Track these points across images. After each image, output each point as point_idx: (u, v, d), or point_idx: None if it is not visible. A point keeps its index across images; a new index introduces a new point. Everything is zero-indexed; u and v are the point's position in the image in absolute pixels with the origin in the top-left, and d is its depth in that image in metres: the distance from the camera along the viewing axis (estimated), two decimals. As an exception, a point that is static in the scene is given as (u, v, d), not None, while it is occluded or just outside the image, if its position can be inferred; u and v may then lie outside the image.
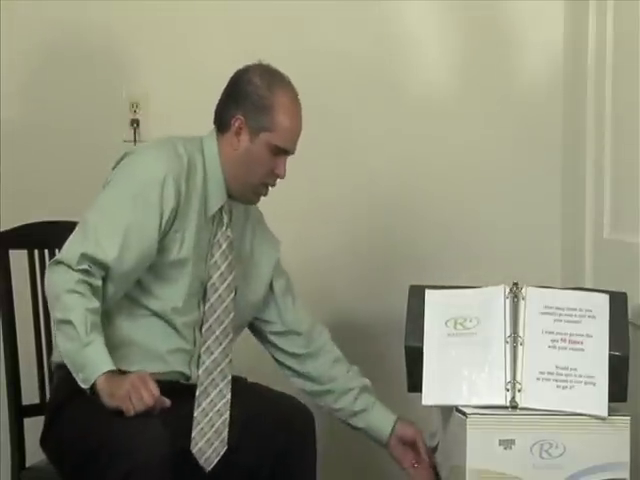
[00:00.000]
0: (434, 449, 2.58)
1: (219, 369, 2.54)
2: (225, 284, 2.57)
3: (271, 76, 2.58)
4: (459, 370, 2.40)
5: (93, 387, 2.30)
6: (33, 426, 2.67)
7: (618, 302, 2.43)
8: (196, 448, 2.47)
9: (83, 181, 3.08)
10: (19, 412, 2.66)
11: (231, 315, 2.57)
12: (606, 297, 2.43)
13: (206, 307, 2.56)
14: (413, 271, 3.18)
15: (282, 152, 2.55)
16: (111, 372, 2.31)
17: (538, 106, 3.29)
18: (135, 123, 3.09)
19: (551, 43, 3.27)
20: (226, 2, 3.14)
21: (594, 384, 2.35)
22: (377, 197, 3.25)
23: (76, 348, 2.32)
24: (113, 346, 2.38)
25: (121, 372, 2.34)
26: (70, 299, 2.34)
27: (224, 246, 2.57)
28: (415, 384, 2.43)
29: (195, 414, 2.49)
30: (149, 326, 2.50)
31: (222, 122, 2.57)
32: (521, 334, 2.40)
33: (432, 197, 3.27)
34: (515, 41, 3.29)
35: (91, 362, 2.31)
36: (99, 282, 2.39)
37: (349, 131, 3.23)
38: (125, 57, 3.08)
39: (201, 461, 2.47)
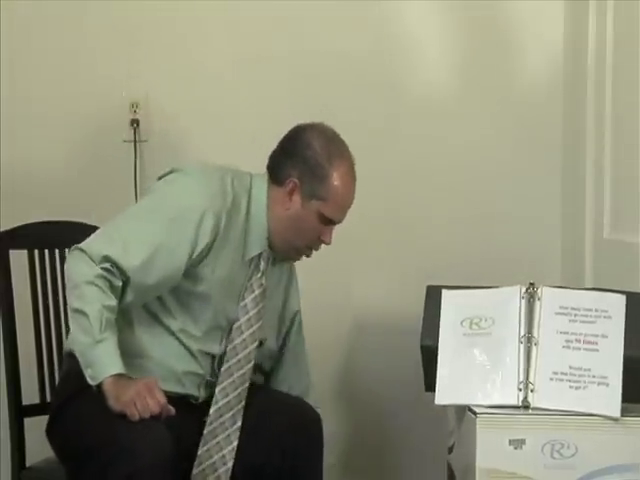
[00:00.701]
0: (450, 449, 2.58)
1: (231, 413, 2.54)
2: (251, 330, 2.57)
3: (331, 144, 2.57)
4: (473, 370, 2.41)
5: (99, 386, 2.30)
6: (33, 426, 2.67)
7: (634, 302, 2.42)
8: (198, 468, 2.48)
9: (83, 181, 3.09)
10: (19, 412, 2.66)
11: (251, 363, 2.56)
12: (622, 297, 2.43)
13: (228, 348, 2.55)
14: (413, 271, 3.18)
15: (331, 222, 2.56)
16: (119, 375, 2.30)
17: (538, 106, 3.29)
18: (135, 123, 3.09)
19: (551, 43, 3.28)
20: (226, 2, 3.14)
21: (607, 385, 2.34)
22: (378, 198, 3.25)
23: (88, 343, 2.31)
24: (130, 354, 2.39)
25: (130, 377, 2.33)
26: (89, 291, 2.34)
27: (256, 292, 2.57)
28: (432, 383, 2.44)
29: (199, 452, 2.50)
30: (167, 344, 2.50)
31: (276, 175, 2.57)
32: (535, 334, 2.41)
33: (432, 197, 3.27)
34: (515, 41, 3.29)
35: (101, 361, 2.31)
36: (119, 283, 2.39)
37: (349, 132, 3.22)
38: (125, 57, 3.08)
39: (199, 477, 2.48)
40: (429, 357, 2.45)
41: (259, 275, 2.57)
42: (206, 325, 2.52)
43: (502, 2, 3.28)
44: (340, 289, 3.22)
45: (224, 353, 2.56)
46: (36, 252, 2.75)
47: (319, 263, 3.21)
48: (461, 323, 2.47)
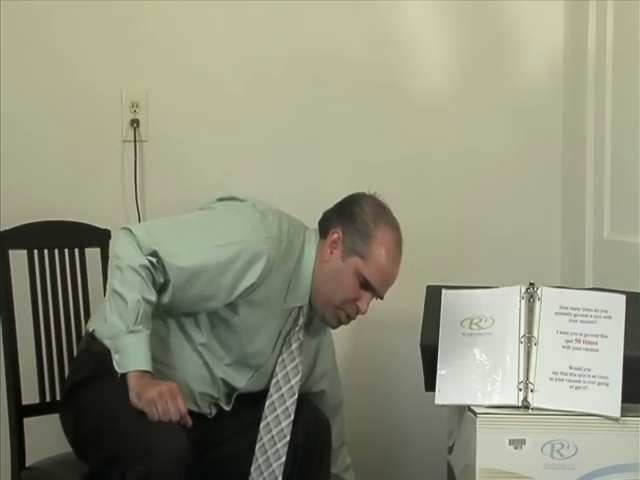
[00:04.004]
0: (450, 449, 2.58)
1: (270, 470, 2.54)
2: (288, 385, 2.56)
3: (381, 211, 2.56)
4: (473, 370, 2.41)
5: (123, 376, 2.30)
6: (33, 426, 2.67)
7: (634, 302, 2.43)
8: None
9: (83, 181, 3.08)
10: (19, 412, 2.66)
11: (290, 418, 2.55)
12: (622, 297, 2.43)
13: (266, 404, 2.54)
14: (413, 271, 3.18)
15: (369, 288, 2.52)
16: (145, 372, 2.31)
17: (538, 106, 3.29)
18: (135, 123, 3.09)
19: (551, 43, 3.28)
20: (226, 3, 3.14)
21: (607, 385, 2.35)
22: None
23: (122, 329, 2.32)
24: (156, 360, 2.38)
25: (154, 377, 2.34)
26: (132, 277, 2.34)
27: (293, 347, 2.57)
28: (432, 383, 2.44)
29: (252, 469, 2.52)
30: (192, 363, 2.50)
31: (324, 229, 2.56)
32: (535, 334, 2.41)
33: (432, 197, 3.27)
34: (515, 41, 3.29)
35: (130, 351, 2.32)
36: (161, 280, 2.39)
37: (349, 133, 3.23)
38: (125, 57, 3.08)
39: None
40: (429, 357, 2.46)
41: (297, 329, 2.57)
42: (233, 357, 2.52)
43: (502, 2, 3.27)
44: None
45: (246, 391, 2.56)
46: (36, 252, 2.75)
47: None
48: (461, 323, 2.47)
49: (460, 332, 2.46)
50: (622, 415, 2.33)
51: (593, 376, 2.36)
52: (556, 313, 2.43)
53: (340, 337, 3.24)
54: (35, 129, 3.04)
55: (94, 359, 2.45)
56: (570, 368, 2.38)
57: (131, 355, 2.32)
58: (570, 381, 2.37)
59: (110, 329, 2.35)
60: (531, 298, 2.45)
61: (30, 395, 2.70)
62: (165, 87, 3.11)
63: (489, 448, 2.32)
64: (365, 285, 2.51)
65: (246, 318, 2.48)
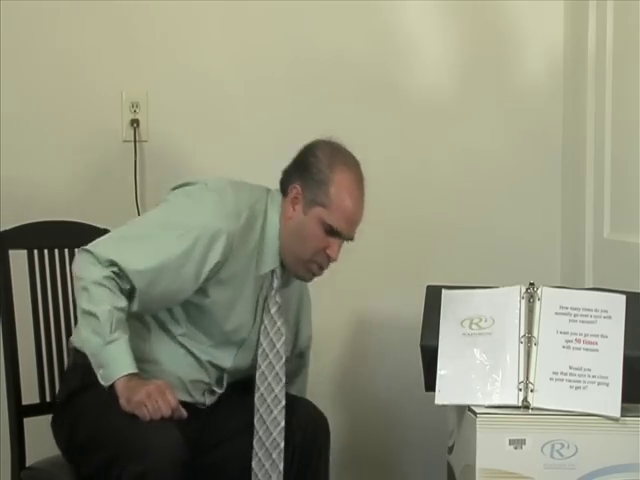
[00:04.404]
0: (450, 449, 2.58)
1: (271, 439, 2.54)
2: (274, 351, 2.57)
3: (336, 153, 2.55)
4: (473, 370, 2.41)
5: (112, 386, 2.31)
6: (33, 426, 2.67)
7: (634, 302, 2.43)
8: None
9: (83, 181, 3.08)
10: (19, 412, 2.66)
11: (282, 382, 2.56)
12: (622, 297, 2.43)
13: (257, 375, 2.55)
14: (413, 271, 3.19)
15: (336, 234, 2.51)
16: (131, 375, 2.31)
17: (538, 107, 3.29)
18: (135, 123, 3.09)
19: (551, 43, 3.28)
20: (226, 3, 3.14)
21: (607, 385, 2.35)
22: (378, 198, 3.25)
23: (99, 343, 2.33)
24: (140, 360, 2.38)
25: (141, 377, 2.34)
26: (98, 292, 2.35)
27: (272, 311, 2.57)
28: (432, 383, 2.44)
29: (254, 441, 2.52)
30: (175, 353, 2.51)
31: (284, 187, 2.56)
32: (535, 334, 2.41)
33: (432, 197, 3.27)
34: (515, 41, 3.29)
35: (113, 361, 2.32)
36: (127, 286, 2.40)
37: (349, 133, 3.22)
38: (125, 57, 3.08)
39: None
40: (429, 357, 2.45)
41: (273, 292, 2.57)
42: (215, 339, 2.52)
43: (502, 2, 3.27)
44: (340, 289, 3.21)
45: (234, 369, 2.56)
46: (36, 252, 2.75)
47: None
48: (461, 323, 2.47)
49: (460, 332, 2.46)
50: (622, 415, 2.33)
51: (593, 376, 2.36)
52: (556, 313, 2.43)
53: (340, 337, 3.25)
54: (35, 129, 3.04)
55: (81, 371, 2.44)
56: (570, 368, 2.38)
57: (114, 365, 2.32)
58: (570, 381, 2.37)
59: (89, 348, 2.36)
60: (531, 298, 2.45)
61: (30, 395, 2.70)
62: (165, 87, 3.11)
63: (489, 448, 2.32)
64: (331, 232, 2.50)
65: (218, 298, 2.48)
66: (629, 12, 2.92)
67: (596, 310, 2.42)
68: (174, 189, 2.56)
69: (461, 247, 3.26)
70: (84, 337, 2.37)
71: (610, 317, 2.41)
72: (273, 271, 2.55)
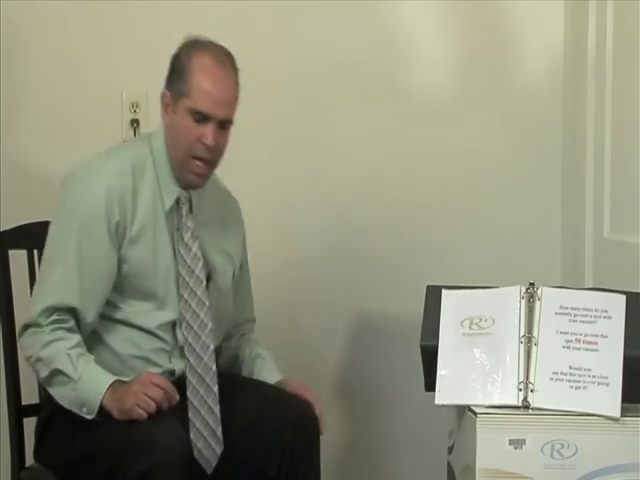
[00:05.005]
0: (450, 449, 2.58)
1: (202, 364, 2.50)
2: (193, 278, 2.51)
3: (195, 42, 2.49)
4: (473, 370, 2.41)
5: (102, 410, 2.31)
6: (33, 426, 2.67)
7: (634, 302, 2.43)
8: (195, 451, 2.45)
9: (83, 181, 3.08)
10: (19, 412, 2.65)
11: (205, 306, 2.51)
12: (622, 297, 2.43)
13: (181, 304, 2.50)
14: (413, 271, 3.18)
15: (205, 118, 2.43)
16: (112, 387, 2.31)
17: (538, 107, 3.29)
18: (135, 123, 3.09)
19: (551, 44, 3.28)
20: (226, 3, 3.14)
21: (607, 385, 2.35)
22: (378, 198, 3.25)
23: (71, 389, 2.33)
24: (106, 366, 2.39)
25: (122, 381, 2.34)
26: (48, 352, 2.36)
27: (186, 238, 2.51)
28: (432, 383, 2.44)
29: (189, 414, 2.47)
30: (125, 336, 2.48)
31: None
32: (535, 334, 2.41)
33: (432, 197, 3.27)
34: (515, 41, 3.29)
35: (89, 391, 2.32)
36: (72, 322, 2.39)
37: (349, 133, 3.23)
38: (125, 57, 3.08)
39: (202, 463, 2.46)
40: (429, 357, 2.45)
41: (183, 219, 2.50)
42: (155, 299, 2.48)
43: (502, 2, 3.28)
44: (340, 289, 3.22)
45: (180, 313, 2.50)
46: (36, 252, 2.74)
47: (319, 263, 3.22)
48: (461, 323, 2.47)
49: (460, 332, 2.46)
50: (622, 415, 2.33)
51: (593, 376, 2.36)
52: (556, 313, 2.43)
53: (340, 337, 3.25)
54: (35, 129, 3.04)
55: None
56: (570, 368, 2.38)
57: (92, 392, 2.31)
58: (570, 381, 2.37)
59: (64, 401, 2.36)
60: (531, 298, 2.45)
61: (30, 395, 2.69)
62: (165, 87, 3.11)
63: (489, 448, 2.32)
64: (201, 118, 2.44)
65: (138, 256, 2.45)
66: (629, 12, 2.92)
67: (596, 310, 2.42)
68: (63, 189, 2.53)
69: (461, 247, 3.26)
70: (59, 397, 2.37)
71: (610, 317, 2.41)
72: (178, 199, 2.50)
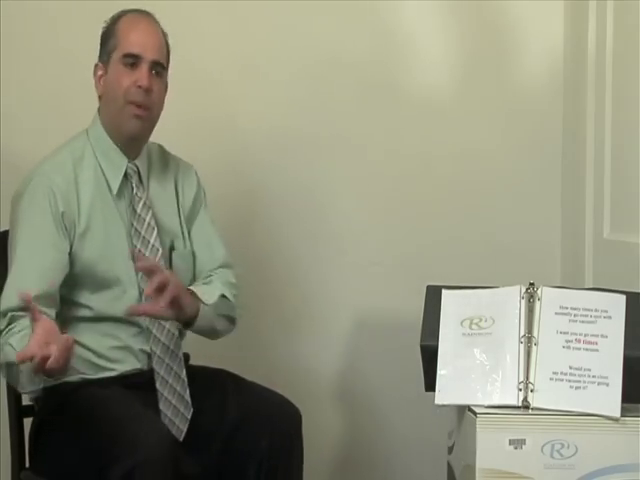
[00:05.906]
0: (450, 449, 2.58)
1: (167, 339, 2.51)
2: (149, 247, 2.50)
3: (123, 11, 2.55)
4: (473, 370, 2.41)
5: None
6: (33, 426, 2.67)
7: (634, 302, 2.42)
8: (166, 419, 2.46)
9: (83, 181, 3.08)
10: (19, 412, 2.65)
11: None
12: (622, 297, 2.43)
13: (139, 278, 2.48)
14: (413, 271, 3.19)
15: (136, 59, 2.47)
16: None
17: (538, 107, 3.29)
18: (135, 123, 3.08)
19: (551, 44, 3.28)
20: (226, 3, 3.14)
21: (607, 385, 2.34)
22: (378, 198, 3.26)
23: (12, 353, 2.27)
24: (86, 366, 2.41)
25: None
26: (4, 354, 2.32)
27: (138, 209, 2.51)
28: (432, 383, 2.43)
29: (157, 385, 2.48)
30: (97, 332, 2.47)
31: None
32: (535, 334, 2.41)
33: (432, 197, 3.27)
34: (515, 41, 3.29)
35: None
36: (24, 319, 2.32)
37: (349, 133, 3.23)
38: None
39: (173, 431, 2.45)
40: (429, 357, 2.45)
41: (135, 191, 2.51)
42: (119, 283, 2.47)
43: (502, 2, 3.28)
44: (340, 289, 3.22)
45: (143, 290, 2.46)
46: (36, 252, 2.74)
47: (319, 263, 3.22)
48: (461, 323, 2.47)
49: (460, 332, 2.46)
50: (622, 415, 2.33)
51: (593, 376, 2.36)
52: (556, 313, 2.43)
53: (340, 337, 3.25)
54: (35, 128, 3.04)
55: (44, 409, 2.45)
56: (570, 368, 2.38)
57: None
58: (570, 381, 2.37)
59: (24, 387, 2.36)
60: (531, 298, 2.45)
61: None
62: (165, 87, 3.11)
63: (489, 448, 2.32)
64: (131, 62, 2.48)
65: (91, 248, 2.45)
66: (629, 12, 2.92)
67: (596, 310, 2.42)
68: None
69: (461, 247, 3.26)
70: (21, 387, 2.36)
71: (610, 317, 2.41)
72: (126, 172, 2.51)
